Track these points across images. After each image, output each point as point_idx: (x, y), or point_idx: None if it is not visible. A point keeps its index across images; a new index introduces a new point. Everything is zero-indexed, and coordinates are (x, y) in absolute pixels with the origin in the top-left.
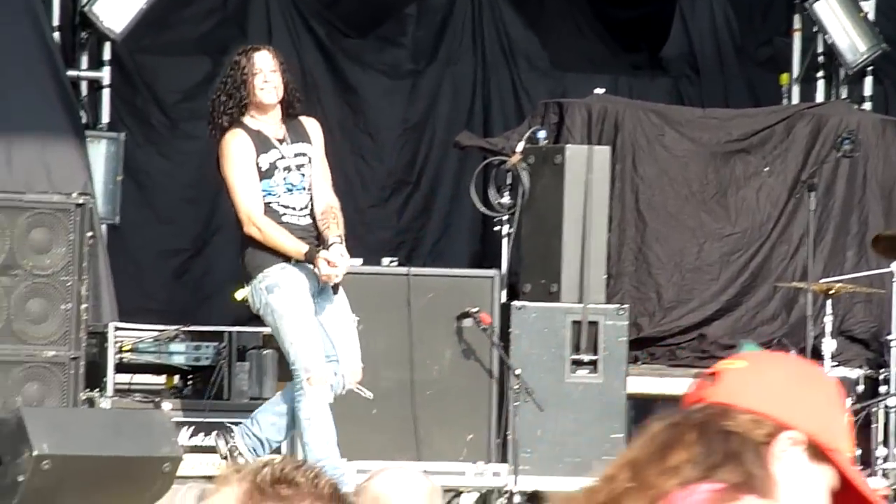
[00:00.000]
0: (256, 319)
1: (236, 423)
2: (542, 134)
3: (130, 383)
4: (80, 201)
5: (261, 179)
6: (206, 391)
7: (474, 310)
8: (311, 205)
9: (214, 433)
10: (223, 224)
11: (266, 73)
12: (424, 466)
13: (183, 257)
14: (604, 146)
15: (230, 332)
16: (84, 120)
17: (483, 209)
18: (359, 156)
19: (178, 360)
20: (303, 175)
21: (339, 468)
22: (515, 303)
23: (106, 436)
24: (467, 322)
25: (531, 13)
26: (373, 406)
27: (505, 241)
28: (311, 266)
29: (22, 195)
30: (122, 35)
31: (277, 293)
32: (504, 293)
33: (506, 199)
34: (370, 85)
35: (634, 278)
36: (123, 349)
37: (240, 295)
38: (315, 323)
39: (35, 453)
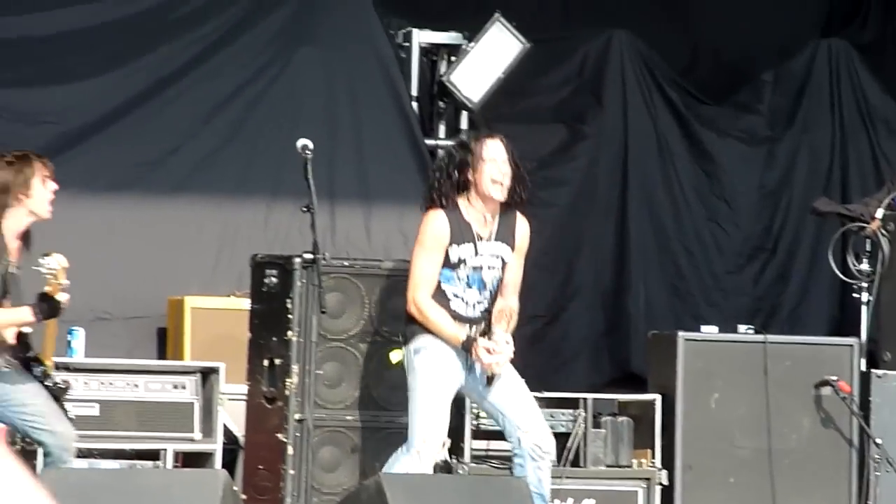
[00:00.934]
0: (612, 386)
1: (593, 490)
2: None
3: (487, 449)
4: None
5: (445, 266)
6: (562, 458)
7: (833, 378)
8: (489, 303)
9: None
10: (579, 290)
11: (499, 162)
12: None
13: (539, 323)
14: None
15: (586, 399)
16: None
17: (842, 276)
18: (714, 222)
19: None
20: (492, 277)
21: None
22: (876, 371)
23: (463, 502)
24: (826, 390)
25: (889, 78)
26: (730, 474)
27: (864, 309)
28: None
29: (380, 262)
30: (480, 104)
31: (423, 354)
32: (864, 361)
33: (865, 266)
34: (726, 151)
35: None
36: (480, 415)
37: (394, 357)
38: (448, 399)
39: None
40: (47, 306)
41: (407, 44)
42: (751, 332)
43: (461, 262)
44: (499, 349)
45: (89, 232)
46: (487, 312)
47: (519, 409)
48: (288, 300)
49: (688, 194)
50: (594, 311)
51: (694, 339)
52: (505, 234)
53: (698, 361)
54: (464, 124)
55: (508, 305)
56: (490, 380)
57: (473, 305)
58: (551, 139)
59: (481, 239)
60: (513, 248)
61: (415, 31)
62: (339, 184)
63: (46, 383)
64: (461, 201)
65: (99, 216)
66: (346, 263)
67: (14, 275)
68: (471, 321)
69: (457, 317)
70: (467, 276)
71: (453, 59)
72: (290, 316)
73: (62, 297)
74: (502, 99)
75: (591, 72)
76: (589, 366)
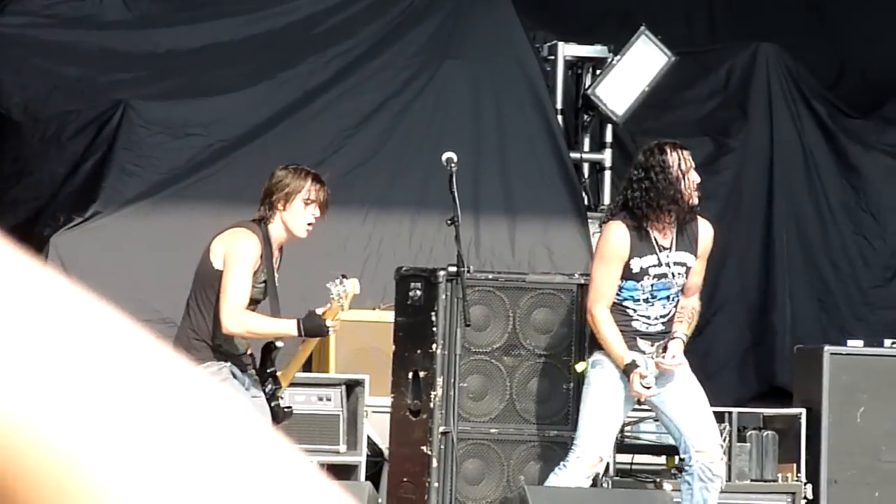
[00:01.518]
0: (758, 400)
1: None
2: None
3: (632, 463)
4: (582, 282)
5: (627, 279)
6: None
7: None
8: (672, 312)
9: None
10: (725, 304)
11: (693, 171)
12: None
13: None
14: None
15: (730, 413)
16: (586, 202)
17: None
18: (861, 236)
19: None
20: (676, 284)
21: None
22: None
23: None
24: None
25: None
26: (876, 489)
27: None
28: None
29: (525, 276)
30: (625, 117)
31: (598, 370)
32: None
33: None
34: (873, 164)
35: None
36: (624, 429)
37: (580, 367)
38: (615, 418)
39: None
40: (314, 326)
41: (552, 57)
42: None
43: (643, 272)
44: (650, 382)
45: None
46: (666, 327)
47: (695, 428)
48: (432, 313)
49: (834, 208)
50: (740, 324)
51: (840, 353)
52: (687, 242)
53: (844, 375)
54: (608, 137)
55: (691, 305)
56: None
57: (656, 319)
58: (696, 152)
59: (664, 249)
60: (696, 255)
61: (560, 44)
62: (484, 197)
63: (272, 403)
64: (644, 213)
65: None
66: (490, 276)
67: (274, 282)
68: (652, 337)
69: (639, 334)
70: (651, 287)
71: (598, 72)
72: (434, 329)
73: (331, 324)
74: (647, 112)
75: (737, 85)
76: (734, 379)
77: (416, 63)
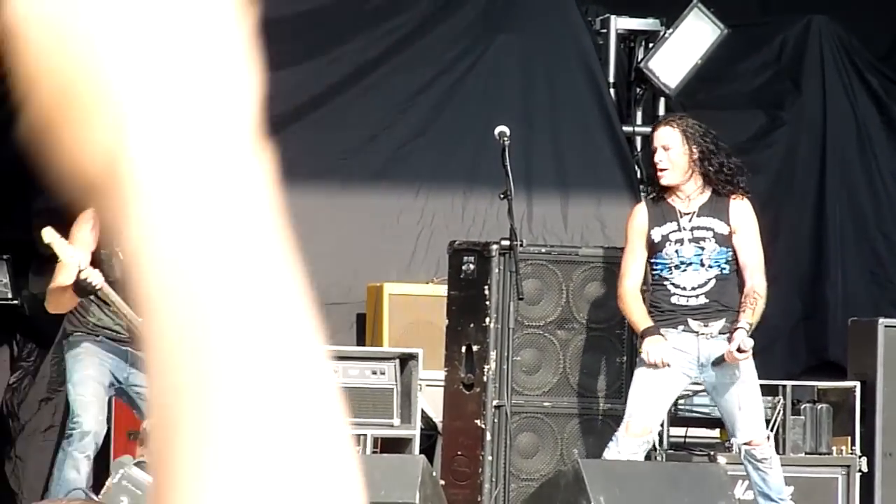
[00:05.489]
0: (809, 373)
1: (792, 478)
2: None
3: (685, 436)
4: None
5: (654, 253)
6: None
7: None
8: (712, 284)
9: None
10: (777, 277)
11: (660, 149)
12: None
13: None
14: None
15: (784, 386)
16: (639, 175)
17: None
18: None
19: None
20: (708, 252)
21: None
22: None
23: (662, 489)
24: None
25: None
26: None
27: None
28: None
29: (577, 249)
30: (677, 90)
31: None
32: None
33: None
34: None
35: None
36: (678, 403)
37: None
38: (660, 391)
39: None
40: (77, 283)
41: (604, 30)
42: None
43: (665, 240)
44: (656, 357)
45: (290, 220)
46: (716, 295)
47: (743, 421)
48: (485, 287)
49: (887, 180)
50: (791, 298)
51: (894, 326)
52: (716, 211)
53: None
54: (661, 110)
55: (751, 287)
56: (717, 362)
57: (693, 290)
58: (749, 125)
59: (684, 215)
60: (727, 224)
61: (612, 17)
62: (536, 171)
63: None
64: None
65: (299, 204)
66: (543, 250)
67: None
68: (699, 312)
69: (683, 310)
70: (677, 254)
71: (651, 45)
72: (487, 302)
73: (94, 280)
74: (700, 85)
75: (790, 57)
76: (786, 353)
77: (468, 38)
